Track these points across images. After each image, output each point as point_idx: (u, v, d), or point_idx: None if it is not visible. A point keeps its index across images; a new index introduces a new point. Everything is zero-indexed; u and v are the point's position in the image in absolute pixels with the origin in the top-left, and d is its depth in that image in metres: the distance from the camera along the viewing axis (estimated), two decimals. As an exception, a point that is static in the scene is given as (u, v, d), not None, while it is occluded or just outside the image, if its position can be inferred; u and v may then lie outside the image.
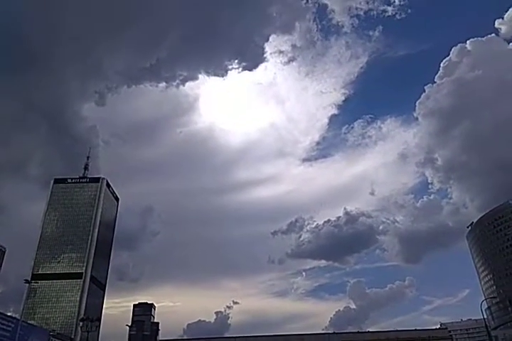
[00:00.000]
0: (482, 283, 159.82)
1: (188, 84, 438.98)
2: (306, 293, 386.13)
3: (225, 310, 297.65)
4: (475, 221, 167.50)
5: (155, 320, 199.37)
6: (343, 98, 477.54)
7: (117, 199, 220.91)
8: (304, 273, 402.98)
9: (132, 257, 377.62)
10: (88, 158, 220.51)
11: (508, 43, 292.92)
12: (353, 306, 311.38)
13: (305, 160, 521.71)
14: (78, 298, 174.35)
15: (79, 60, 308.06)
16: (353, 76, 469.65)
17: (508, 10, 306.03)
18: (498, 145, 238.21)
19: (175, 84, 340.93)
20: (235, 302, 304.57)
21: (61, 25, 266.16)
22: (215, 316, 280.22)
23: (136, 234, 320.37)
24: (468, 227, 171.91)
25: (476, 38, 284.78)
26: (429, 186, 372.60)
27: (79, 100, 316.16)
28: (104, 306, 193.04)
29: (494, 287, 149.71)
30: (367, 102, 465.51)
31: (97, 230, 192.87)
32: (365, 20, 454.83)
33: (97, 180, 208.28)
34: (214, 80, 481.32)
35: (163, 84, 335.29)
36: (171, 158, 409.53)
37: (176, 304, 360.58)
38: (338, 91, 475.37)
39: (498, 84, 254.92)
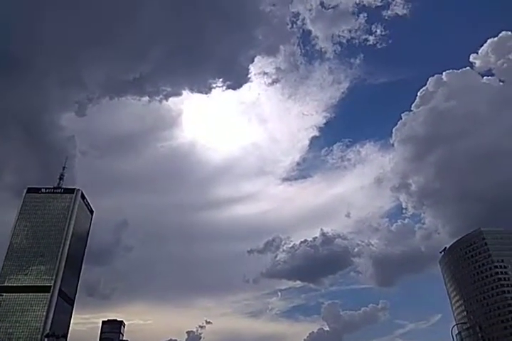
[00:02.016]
0: (453, 308, 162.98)
1: (171, 99, 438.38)
2: (281, 314, 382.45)
3: (197, 330, 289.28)
4: (448, 246, 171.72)
5: (124, 338, 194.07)
6: (324, 121, 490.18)
7: (92, 211, 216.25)
8: (279, 294, 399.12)
9: (104, 272, 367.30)
10: (64, 168, 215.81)
11: (482, 77, 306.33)
12: (327, 328, 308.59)
13: (285, 179, 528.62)
14: (45, 313, 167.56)
15: (59, 68, 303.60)
16: (334, 100, 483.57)
17: (482, 45, 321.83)
18: (469, 174, 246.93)
19: (158, 98, 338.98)
20: (208, 322, 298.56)
21: (43, 33, 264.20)
22: (186, 336, 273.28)
23: (110, 248, 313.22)
24: (441, 252, 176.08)
25: (451, 70, 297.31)
26: (403, 211, 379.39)
27: (58, 109, 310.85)
28: (71, 322, 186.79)
29: (465, 312, 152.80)
30: (347, 126, 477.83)
31: (68, 243, 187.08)
32: (347, 48, 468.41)
33: (71, 191, 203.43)
34: (198, 97, 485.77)
35: (145, 98, 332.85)
36: (150, 172, 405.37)
37: (146, 322, 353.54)
38: (320, 114, 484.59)
39: (471, 115, 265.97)
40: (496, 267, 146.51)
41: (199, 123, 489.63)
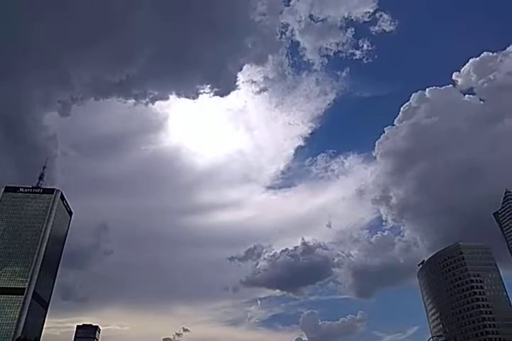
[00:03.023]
0: (430, 321, 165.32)
1: (157, 103, 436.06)
2: (260, 323, 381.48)
3: (174, 337, 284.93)
4: (426, 259, 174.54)
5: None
6: (309, 131, 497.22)
7: (71, 213, 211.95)
8: (258, 302, 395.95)
9: (81, 276, 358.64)
10: (44, 168, 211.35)
11: (464, 95, 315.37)
12: (305, 338, 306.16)
13: (269, 187, 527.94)
14: (17, 316, 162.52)
15: (44, 67, 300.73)
16: (320, 111, 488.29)
17: (464, 64, 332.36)
18: (448, 190, 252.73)
19: (144, 101, 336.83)
20: (185, 330, 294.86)
21: (28, 31, 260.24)
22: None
23: (88, 251, 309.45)
24: (419, 265, 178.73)
25: (434, 87, 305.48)
26: (383, 223, 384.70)
27: (40, 108, 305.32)
28: (44, 326, 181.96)
29: (441, 325, 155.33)
30: (332, 137, 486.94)
31: (45, 244, 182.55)
32: (334, 61, 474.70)
33: (51, 191, 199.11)
34: (185, 102, 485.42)
35: (131, 101, 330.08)
36: (133, 175, 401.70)
37: (123, 328, 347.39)
38: (306, 124, 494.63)
39: (451, 132, 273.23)
40: (471, 281, 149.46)
41: (185, 128, 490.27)
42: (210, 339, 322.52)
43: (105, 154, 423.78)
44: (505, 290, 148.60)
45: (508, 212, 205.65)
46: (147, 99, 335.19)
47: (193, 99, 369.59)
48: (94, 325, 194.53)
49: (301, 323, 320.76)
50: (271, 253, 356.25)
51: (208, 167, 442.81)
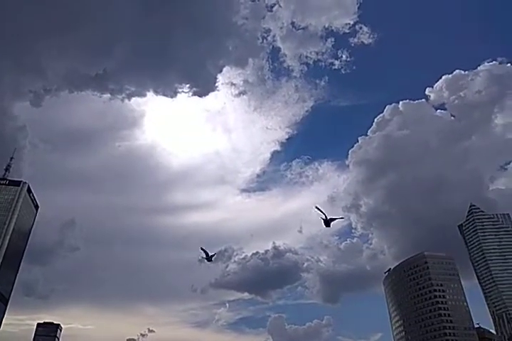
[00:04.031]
0: (393, 328, 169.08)
1: (134, 99, 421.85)
2: (227, 326, 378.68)
3: (139, 338, 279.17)
4: (392, 268, 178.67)
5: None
6: (286, 136, 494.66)
7: (37, 207, 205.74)
8: (227, 305, 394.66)
9: (44, 272, 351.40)
10: (12, 159, 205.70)
11: (435, 110, 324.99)
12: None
13: (244, 190, 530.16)
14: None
15: (16, 54, 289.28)
16: (297, 117, 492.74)
17: (437, 80, 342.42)
18: (416, 201, 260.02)
19: (120, 97, 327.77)
20: (151, 330, 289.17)
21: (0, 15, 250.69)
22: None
23: (53, 247, 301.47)
24: (385, 273, 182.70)
25: (408, 100, 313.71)
26: (353, 230, 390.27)
27: (10, 97, 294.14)
28: (3, 322, 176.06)
29: (403, 333, 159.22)
30: (307, 144, 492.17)
31: (8, 238, 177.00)
32: (313, 69, 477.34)
33: (17, 183, 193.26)
34: (162, 100, 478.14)
35: (107, 95, 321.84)
36: (104, 171, 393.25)
37: (86, 327, 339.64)
38: (283, 129, 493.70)
39: (421, 145, 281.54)
40: (435, 290, 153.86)
41: (161, 127, 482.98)
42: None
43: (77, 148, 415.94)
44: (466, 300, 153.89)
45: (471, 224, 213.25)
46: (123, 95, 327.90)
47: (171, 97, 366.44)
48: (55, 323, 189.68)
49: (268, 327, 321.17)
50: (241, 256, 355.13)
51: (183, 167, 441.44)
